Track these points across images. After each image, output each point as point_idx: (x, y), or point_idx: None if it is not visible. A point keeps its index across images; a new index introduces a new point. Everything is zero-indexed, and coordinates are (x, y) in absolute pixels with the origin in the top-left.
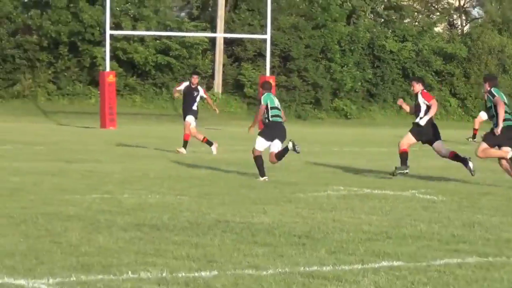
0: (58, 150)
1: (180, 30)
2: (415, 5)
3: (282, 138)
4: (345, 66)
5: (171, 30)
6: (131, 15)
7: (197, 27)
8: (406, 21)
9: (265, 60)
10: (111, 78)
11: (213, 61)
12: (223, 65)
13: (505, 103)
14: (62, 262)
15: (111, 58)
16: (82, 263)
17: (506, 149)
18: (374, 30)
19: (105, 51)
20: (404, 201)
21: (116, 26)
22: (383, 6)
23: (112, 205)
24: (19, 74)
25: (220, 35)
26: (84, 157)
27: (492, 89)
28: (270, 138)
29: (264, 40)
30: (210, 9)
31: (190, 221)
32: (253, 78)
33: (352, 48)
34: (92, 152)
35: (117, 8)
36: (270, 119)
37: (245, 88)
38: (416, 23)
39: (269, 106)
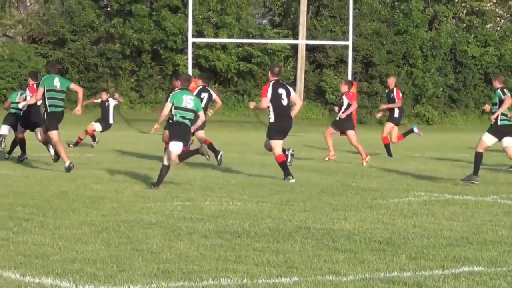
0: (140, 157)
1: (262, 37)
2: (497, 10)
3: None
4: (427, 71)
5: (253, 37)
6: (213, 23)
7: (279, 34)
8: (488, 26)
9: (347, 66)
10: (192, 85)
11: (295, 67)
12: (305, 71)
13: None
14: (143, 269)
15: (194, 66)
16: (162, 270)
17: None
18: (456, 35)
19: (187, 59)
20: (485, 207)
21: (198, 33)
22: (465, 11)
23: (194, 212)
24: (102, 82)
25: (302, 41)
26: None
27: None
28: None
29: (346, 47)
30: (292, 16)
31: (271, 228)
32: (335, 85)
33: (434, 53)
34: None
35: (199, 16)
36: None
37: (327, 94)
38: (499, 28)
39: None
